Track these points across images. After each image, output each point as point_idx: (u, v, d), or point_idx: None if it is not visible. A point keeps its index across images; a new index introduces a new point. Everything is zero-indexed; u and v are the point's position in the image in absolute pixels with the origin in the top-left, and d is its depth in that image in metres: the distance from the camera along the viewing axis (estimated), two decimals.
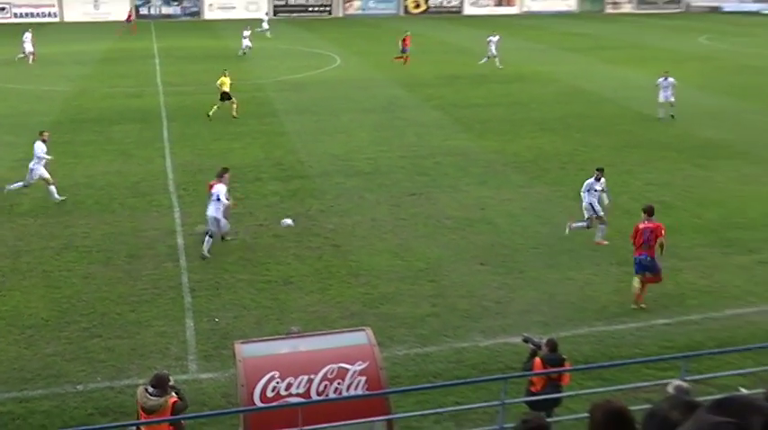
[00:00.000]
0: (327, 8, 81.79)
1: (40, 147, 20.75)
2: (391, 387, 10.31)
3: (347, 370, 9.49)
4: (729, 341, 13.39)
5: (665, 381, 9.73)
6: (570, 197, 21.30)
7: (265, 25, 58.34)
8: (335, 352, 9.77)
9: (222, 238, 18.02)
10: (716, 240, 18.39)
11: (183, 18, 76.18)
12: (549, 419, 8.36)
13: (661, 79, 30.71)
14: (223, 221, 17.66)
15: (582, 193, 18.17)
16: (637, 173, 23.57)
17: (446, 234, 18.75)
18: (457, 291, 15.73)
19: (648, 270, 14.93)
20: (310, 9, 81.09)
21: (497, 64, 43.40)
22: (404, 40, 45.54)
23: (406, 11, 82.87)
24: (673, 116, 30.44)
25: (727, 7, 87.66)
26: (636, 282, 14.94)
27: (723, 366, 11.81)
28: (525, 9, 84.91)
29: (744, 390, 10.59)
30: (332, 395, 9.34)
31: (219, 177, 17.87)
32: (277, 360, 9.70)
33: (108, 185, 22.69)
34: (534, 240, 18.35)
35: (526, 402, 10.31)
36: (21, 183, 21.06)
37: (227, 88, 31.21)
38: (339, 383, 9.42)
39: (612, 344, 13.62)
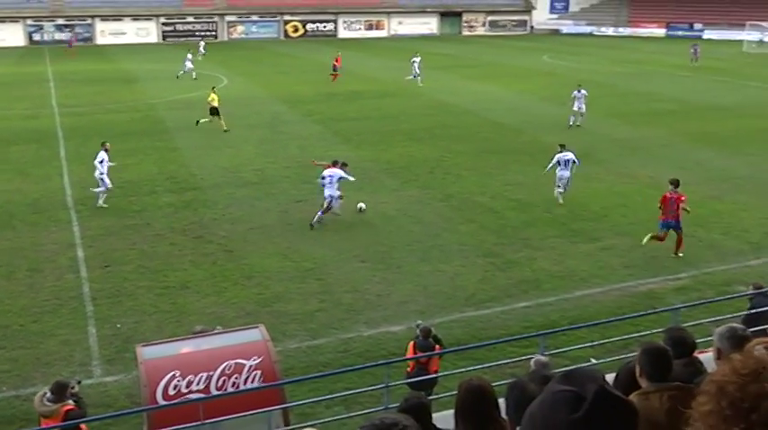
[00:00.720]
0: (213, 33, 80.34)
1: (102, 156, 21.06)
2: (285, 378, 10.16)
3: (244, 365, 9.29)
4: (580, 318, 13.89)
5: (527, 357, 9.98)
6: (438, 199, 21.68)
7: (202, 50, 55.95)
8: (232, 349, 9.55)
9: (326, 211, 19.22)
10: (565, 231, 19.04)
11: (76, 44, 73.09)
12: (429, 397, 8.43)
13: (575, 92, 31.83)
14: (338, 200, 19.30)
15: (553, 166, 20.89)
16: (495, 175, 24.17)
17: (330, 236, 18.68)
18: (341, 287, 15.68)
19: (674, 228, 16.97)
20: (197, 34, 79.43)
21: (419, 82, 44.13)
22: (336, 59, 46.49)
23: (286, 35, 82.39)
24: (579, 125, 31.18)
25: (565, 30, 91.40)
26: (647, 238, 17.15)
27: (576, 340, 12.20)
28: (393, 32, 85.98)
29: (594, 360, 11.01)
30: (230, 389, 9.12)
31: (334, 164, 19.51)
32: (177, 360, 9.39)
33: (7, 203, 21.47)
34: (408, 238, 18.51)
35: (407, 383, 10.37)
36: (103, 191, 21.09)
37: (215, 104, 31.23)
38: (237, 378, 9.21)
39: (481, 327, 13.88)
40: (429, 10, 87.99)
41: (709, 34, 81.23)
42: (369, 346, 13.19)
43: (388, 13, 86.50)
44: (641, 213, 20.25)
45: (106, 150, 21.34)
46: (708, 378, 1.85)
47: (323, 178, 19.19)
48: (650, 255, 17.37)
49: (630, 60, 58.41)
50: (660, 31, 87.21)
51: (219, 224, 19.60)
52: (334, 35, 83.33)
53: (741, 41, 69.90)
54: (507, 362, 11.11)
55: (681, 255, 17.14)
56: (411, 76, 45.16)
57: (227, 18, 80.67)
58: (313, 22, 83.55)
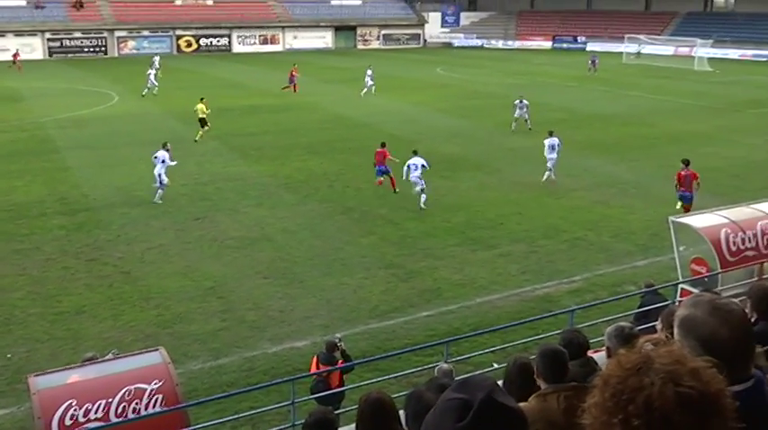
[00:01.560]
0: (102, 48, 77.89)
1: (164, 155, 22.63)
2: (188, 400, 9.90)
3: (144, 389, 8.99)
4: (481, 324, 14.14)
5: (431, 366, 10.11)
6: (339, 212, 21.71)
7: (157, 65, 52.59)
8: (131, 373, 9.23)
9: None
10: (464, 240, 19.41)
11: None
12: (336, 412, 8.38)
13: (517, 101, 34.32)
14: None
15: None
16: (387, 185, 24.34)
17: (230, 253, 18.38)
18: (244, 304, 15.45)
19: (688, 200, 20.34)
20: (86, 50, 76.87)
21: (372, 91, 45.40)
22: (291, 71, 47.45)
23: (179, 50, 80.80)
24: (530, 128, 33.45)
25: (457, 43, 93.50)
26: (678, 205, 20.45)
27: (478, 346, 12.37)
28: (288, 46, 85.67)
29: (496, 365, 11.24)
30: (131, 415, 8.81)
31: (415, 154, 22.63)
32: (73, 388, 9.00)
33: None
34: (310, 252, 18.44)
35: (314, 399, 10.30)
36: (160, 191, 22.58)
37: (202, 114, 32.06)
38: (137, 403, 8.90)
39: (385, 338, 13.95)
40: (324, 24, 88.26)
41: (591, 46, 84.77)
42: (274, 363, 13.04)
43: (283, 27, 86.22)
44: (536, 220, 20.90)
45: (167, 150, 22.85)
46: (598, 373, 1.94)
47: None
48: (546, 260, 17.93)
49: (520, 72, 60.29)
50: (547, 44, 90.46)
51: (114, 245, 18.98)
52: (229, 50, 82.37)
53: (621, 53, 73.28)
54: (413, 372, 11.20)
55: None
56: (366, 89, 46.04)
57: (117, 33, 78.44)
58: (207, 36, 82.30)
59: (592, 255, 18.32)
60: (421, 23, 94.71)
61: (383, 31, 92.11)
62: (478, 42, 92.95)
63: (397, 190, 23.27)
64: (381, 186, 23.64)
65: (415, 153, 22.90)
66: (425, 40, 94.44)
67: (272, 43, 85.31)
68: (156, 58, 53.84)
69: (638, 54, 73.57)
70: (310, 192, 23.94)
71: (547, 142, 24.90)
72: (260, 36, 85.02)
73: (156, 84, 46.48)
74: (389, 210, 21.73)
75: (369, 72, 46.88)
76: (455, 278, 16.87)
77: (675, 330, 2.42)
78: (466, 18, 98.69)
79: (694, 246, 14.64)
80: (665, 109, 41.39)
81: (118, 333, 14.13)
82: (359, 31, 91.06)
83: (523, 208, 22.11)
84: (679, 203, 20.73)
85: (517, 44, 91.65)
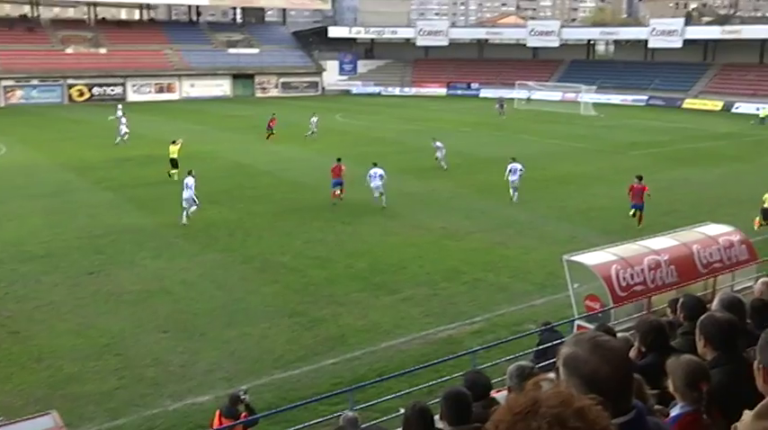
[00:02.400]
0: None
1: (191, 181, 26.01)
2: None
3: None
4: (386, 369, 14.11)
5: (337, 414, 9.99)
6: (240, 261, 21.38)
7: (120, 113, 50.64)
8: None
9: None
10: (367, 285, 19.43)
11: None
12: None
13: (433, 143, 38.10)
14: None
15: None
16: (295, 234, 24.27)
17: (127, 307, 17.75)
18: (143, 360, 14.89)
19: (639, 209, 24.90)
20: None
21: (313, 136, 48.07)
22: (271, 120, 48.80)
23: (71, 99, 78.46)
24: (446, 168, 36.46)
25: (355, 90, 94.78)
26: (631, 213, 25.17)
27: (384, 392, 12.30)
28: (185, 95, 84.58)
29: (402, 410, 11.21)
30: None
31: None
32: None
33: None
34: (211, 303, 18.02)
35: None
36: (195, 207, 25.88)
37: (174, 155, 34.02)
38: None
39: (290, 388, 13.71)
40: (221, 72, 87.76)
41: (484, 93, 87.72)
42: (175, 421, 12.58)
43: (179, 75, 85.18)
44: (437, 263, 21.18)
45: (193, 176, 26.40)
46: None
47: None
48: (448, 302, 18.15)
49: (417, 118, 61.56)
50: (442, 91, 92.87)
51: (2, 304, 18.01)
52: (123, 98, 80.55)
53: (512, 99, 76.08)
54: (319, 422, 11.04)
55: (641, 227, 24.28)
56: (309, 133, 48.76)
57: (4, 83, 75.58)
58: (100, 85, 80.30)
59: (492, 296, 18.67)
60: (319, 71, 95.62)
61: (281, 79, 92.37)
62: (376, 89, 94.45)
63: (342, 198, 28.80)
64: (336, 198, 28.72)
65: (375, 164, 28.82)
66: (324, 88, 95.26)
67: (168, 91, 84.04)
68: (119, 107, 53.96)
69: (529, 99, 76.67)
70: (210, 241, 23.51)
71: (509, 167, 29.75)
72: (156, 84, 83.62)
73: (128, 131, 45.56)
74: (292, 258, 21.58)
75: (313, 120, 49.58)
76: (359, 324, 16.81)
77: (561, 369, 2.48)
78: (363, 66, 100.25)
79: (588, 282, 15.18)
80: (554, 152, 43.05)
81: (7, 397, 13.33)
82: (257, 79, 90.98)
83: (424, 251, 22.38)
84: (632, 211, 25.42)
85: (413, 91, 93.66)
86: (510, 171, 29.52)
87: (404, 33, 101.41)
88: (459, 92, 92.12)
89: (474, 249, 22.67)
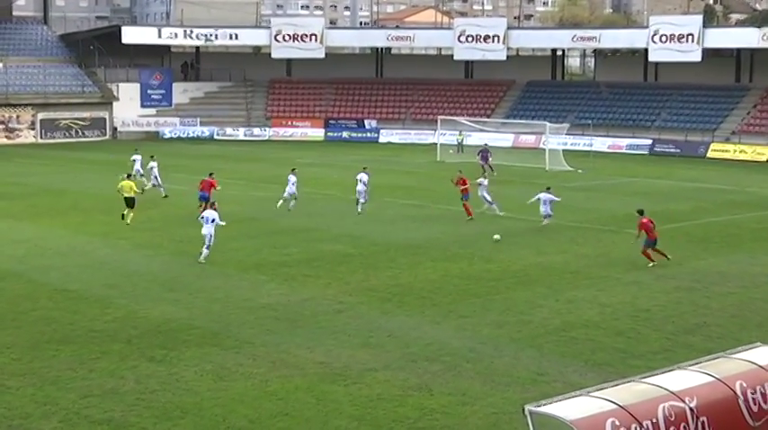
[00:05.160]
0: None
1: (214, 215, 37.19)
2: None
3: None
4: None
5: None
6: None
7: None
8: None
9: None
10: None
11: None
12: None
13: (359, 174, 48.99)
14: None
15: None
16: (68, 381, 23.58)
17: None
18: None
19: (653, 246, 36.59)
20: None
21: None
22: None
23: None
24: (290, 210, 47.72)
25: (169, 132, 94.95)
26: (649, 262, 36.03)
27: None
28: None
29: None
30: None
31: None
32: None
33: None
34: None
35: None
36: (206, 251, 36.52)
37: (127, 193, 44.77)
38: None
39: None
40: None
41: (387, 135, 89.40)
42: None
43: None
44: (313, 425, 20.93)
45: (215, 209, 37.87)
46: None
47: None
48: None
49: (278, 180, 61.94)
50: (317, 133, 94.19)
51: None
52: None
53: (432, 145, 77.45)
54: None
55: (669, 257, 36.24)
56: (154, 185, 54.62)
57: None
58: None
59: None
60: (107, 101, 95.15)
61: (41, 115, 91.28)
62: (205, 131, 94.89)
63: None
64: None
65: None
66: (116, 129, 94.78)
67: None
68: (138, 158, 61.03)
69: (460, 147, 78.24)
70: None
71: (541, 196, 42.43)
72: None
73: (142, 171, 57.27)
74: (60, 426, 20.95)
75: (153, 165, 55.41)
76: None
77: None
78: (182, 91, 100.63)
79: None
80: (504, 231, 43.89)
81: None
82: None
83: (291, 405, 22.11)
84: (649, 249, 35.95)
85: (269, 133, 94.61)
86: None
87: (250, 38, 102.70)
88: (346, 134, 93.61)
89: (376, 399, 22.55)
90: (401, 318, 29.53)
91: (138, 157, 59.12)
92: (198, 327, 28.19)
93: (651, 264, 36.09)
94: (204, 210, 40.31)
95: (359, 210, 48.28)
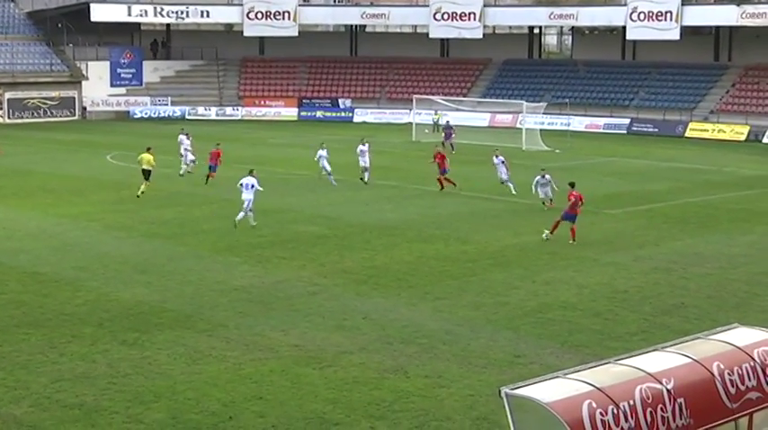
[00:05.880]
0: None
1: (253, 181, 40.53)
2: None
3: None
4: None
5: None
6: None
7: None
8: None
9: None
10: None
11: None
12: None
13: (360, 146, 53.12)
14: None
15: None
16: (39, 365, 23.55)
17: None
18: None
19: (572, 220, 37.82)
20: None
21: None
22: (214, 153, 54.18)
23: None
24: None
25: (140, 112, 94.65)
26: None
27: None
28: None
29: None
30: None
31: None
32: None
33: None
34: None
35: None
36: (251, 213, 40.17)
37: (146, 166, 47.57)
38: None
39: None
40: None
41: (362, 115, 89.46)
42: None
43: None
44: (288, 407, 21.00)
45: (255, 176, 41.04)
46: None
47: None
48: None
49: (252, 159, 61.75)
50: (290, 112, 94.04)
51: None
52: None
53: (408, 125, 77.57)
54: None
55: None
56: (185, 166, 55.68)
57: None
58: None
59: None
60: (76, 80, 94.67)
61: (9, 94, 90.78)
62: (176, 111, 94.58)
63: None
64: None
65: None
66: (85, 108, 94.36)
67: None
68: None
69: (436, 126, 78.42)
70: None
71: (537, 179, 44.25)
72: None
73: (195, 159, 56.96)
74: (32, 409, 20.94)
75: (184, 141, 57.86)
76: None
77: None
78: (153, 70, 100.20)
79: None
80: (480, 212, 44.06)
81: None
82: None
83: (266, 388, 22.15)
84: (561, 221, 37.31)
85: (242, 112, 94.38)
86: (537, 183, 44.39)
87: (222, 15, 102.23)
88: (320, 114, 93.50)
89: (351, 382, 22.62)
90: (377, 299, 29.63)
91: (183, 137, 59.41)
92: (170, 310, 28.21)
93: (545, 235, 37.77)
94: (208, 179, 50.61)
95: (366, 179, 52.95)
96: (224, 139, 68.71)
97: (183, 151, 57.56)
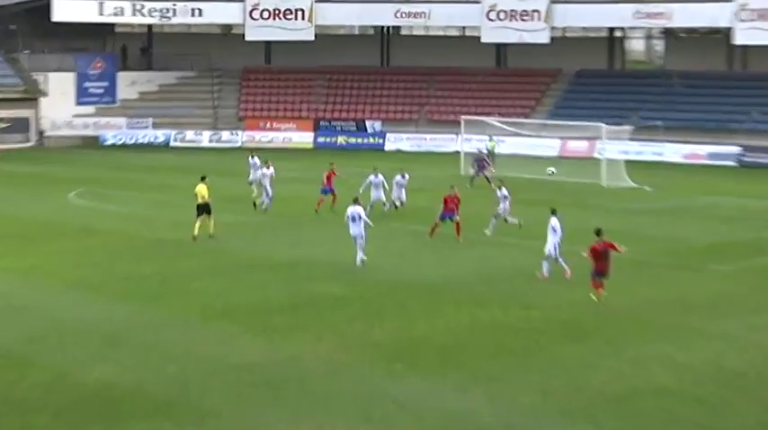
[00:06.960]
0: None
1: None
2: None
3: None
4: None
5: None
6: None
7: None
8: None
9: None
10: None
11: None
12: None
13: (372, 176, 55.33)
14: None
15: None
16: None
17: None
18: None
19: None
20: None
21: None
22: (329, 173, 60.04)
23: None
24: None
25: (112, 137, 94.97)
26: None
27: None
28: None
29: None
30: None
31: None
32: None
33: None
34: None
35: None
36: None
37: (200, 200, 49.39)
38: None
39: None
40: None
41: (395, 142, 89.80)
42: None
43: None
44: None
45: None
46: None
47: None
48: None
49: (244, 197, 62.00)
50: (305, 137, 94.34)
51: None
52: None
53: (454, 154, 77.57)
54: None
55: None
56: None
57: None
58: None
59: None
60: (32, 96, 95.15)
61: None
62: (159, 135, 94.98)
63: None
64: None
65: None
66: (42, 133, 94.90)
67: None
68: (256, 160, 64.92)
69: (491, 154, 78.08)
70: None
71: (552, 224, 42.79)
72: None
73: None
74: None
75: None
76: None
77: None
78: (129, 84, 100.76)
79: None
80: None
81: None
82: None
83: None
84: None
85: (243, 137, 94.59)
86: (553, 229, 42.19)
87: (218, 14, 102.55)
88: (342, 140, 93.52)
89: None
90: (414, 382, 29.29)
91: (255, 162, 63.81)
92: (148, 395, 27.97)
93: (595, 298, 37.33)
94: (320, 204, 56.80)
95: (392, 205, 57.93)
96: (219, 173, 69.01)
97: (266, 182, 60.41)
